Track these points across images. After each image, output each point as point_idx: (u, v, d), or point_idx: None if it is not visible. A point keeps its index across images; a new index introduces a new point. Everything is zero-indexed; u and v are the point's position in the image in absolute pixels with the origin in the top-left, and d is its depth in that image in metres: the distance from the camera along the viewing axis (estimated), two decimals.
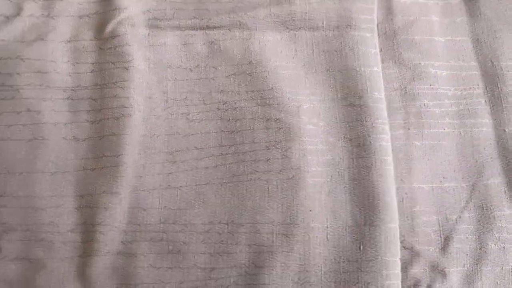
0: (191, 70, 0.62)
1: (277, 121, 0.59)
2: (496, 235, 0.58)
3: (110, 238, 0.56)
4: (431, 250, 0.57)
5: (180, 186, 0.58)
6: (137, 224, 0.56)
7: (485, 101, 0.64)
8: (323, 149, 0.58)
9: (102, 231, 0.56)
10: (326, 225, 0.56)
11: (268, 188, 0.57)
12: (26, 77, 0.61)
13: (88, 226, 0.56)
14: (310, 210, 0.56)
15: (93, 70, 0.62)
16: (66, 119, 0.60)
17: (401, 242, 0.57)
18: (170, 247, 0.56)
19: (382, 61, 0.64)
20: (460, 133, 0.62)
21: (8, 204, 0.57)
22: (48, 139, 0.59)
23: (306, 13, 0.63)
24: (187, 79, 0.62)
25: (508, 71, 0.64)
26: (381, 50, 0.65)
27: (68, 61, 0.63)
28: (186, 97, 0.61)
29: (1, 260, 0.55)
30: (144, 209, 0.57)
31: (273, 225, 0.55)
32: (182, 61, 0.63)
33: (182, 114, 0.60)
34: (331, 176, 0.58)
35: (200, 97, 0.61)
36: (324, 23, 0.63)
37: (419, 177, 0.60)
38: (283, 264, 0.54)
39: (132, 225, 0.56)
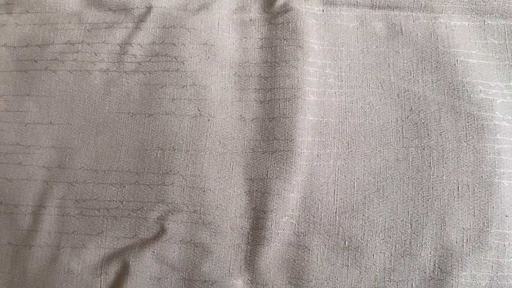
0: (368, 52, 0.57)
1: (468, 115, 0.53)
2: None
3: (281, 227, 0.52)
4: None
5: (357, 178, 0.53)
6: (311, 214, 0.52)
7: None
8: None
9: (273, 219, 0.52)
10: None
11: (458, 187, 0.52)
12: (191, 49, 0.57)
13: (259, 213, 0.52)
14: (506, 216, 0.51)
15: (262, 45, 0.58)
16: (232, 97, 0.56)
17: None
18: (347, 242, 0.51)
19: None
20: None
21: (175, 182, 0.53)
22: (214, 117, 0.55)
23: None
24: (363, 62, 0.57)
25: None
26: None
27: (235, 34, 0.58)
28: (362, 81, 0.56)
29: (165, 242, 0.52)
30: (318, 199, 0.53)
31: (464, 229, 0.50)
32: (358, 42, 0.57)
33: (357, 99, 0.56)
34: None
35: (378, 82, 0.56)
36: None
37: None
38: (472, 272, 0.50)
39: (306, 215, 0.52)
